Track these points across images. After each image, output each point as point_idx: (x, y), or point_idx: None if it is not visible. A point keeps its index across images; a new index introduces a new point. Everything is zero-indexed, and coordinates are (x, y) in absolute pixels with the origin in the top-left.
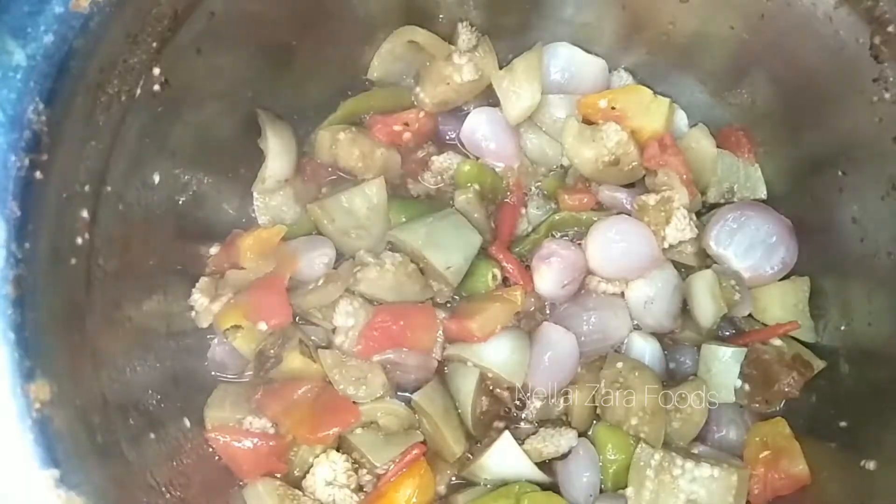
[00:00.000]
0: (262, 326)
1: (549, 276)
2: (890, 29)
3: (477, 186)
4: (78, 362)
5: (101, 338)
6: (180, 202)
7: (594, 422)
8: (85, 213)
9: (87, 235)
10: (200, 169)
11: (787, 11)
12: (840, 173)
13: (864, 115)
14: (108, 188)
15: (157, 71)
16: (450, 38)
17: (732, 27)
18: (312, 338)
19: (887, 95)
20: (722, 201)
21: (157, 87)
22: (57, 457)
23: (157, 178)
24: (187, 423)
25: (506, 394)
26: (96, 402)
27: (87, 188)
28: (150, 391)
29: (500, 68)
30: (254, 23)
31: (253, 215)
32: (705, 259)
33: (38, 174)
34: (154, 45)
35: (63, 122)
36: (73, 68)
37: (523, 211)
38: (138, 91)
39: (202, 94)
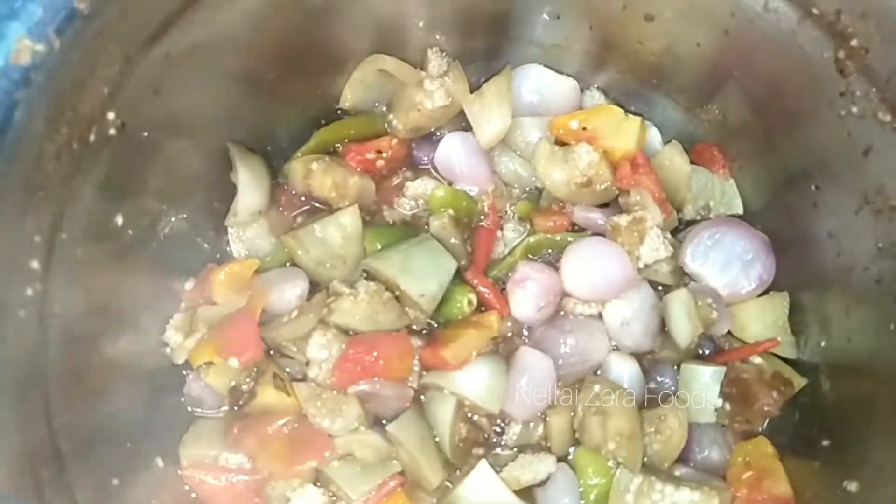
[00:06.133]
0: (234, 362)
1: (525, 300)
2: (853, 43)
3: (451, 211)
4: (27, 413)
5: (57, 385)
6: (150, 240)
7: (574, 446)
8: (35, 264)
9: (38, 286)
10: (170, 206)
11: (751, 27)
12: (814, 188)
13: (834, 129)
14: (64, 235)
15: (111, 115)
16: (420, 65)
17: (699, 44)
18: (287, 370)
19: (855, 109)
20: (698, 218)
21: (112, 132)
22: None
23: (120, 221)
24: (160, 462)
25: (484, 420)
26: (47, 455)
27: (37, 238)
28: (117, 434)
29: (472, 92)
30: (216, 60)
31: (228, 249)
32: (682, 277)
33: None
34: (105, 90)
35: (7, 176)
36: (16, 121)
37: (499, 234)
38: (92, 137)
39: (166, 134)
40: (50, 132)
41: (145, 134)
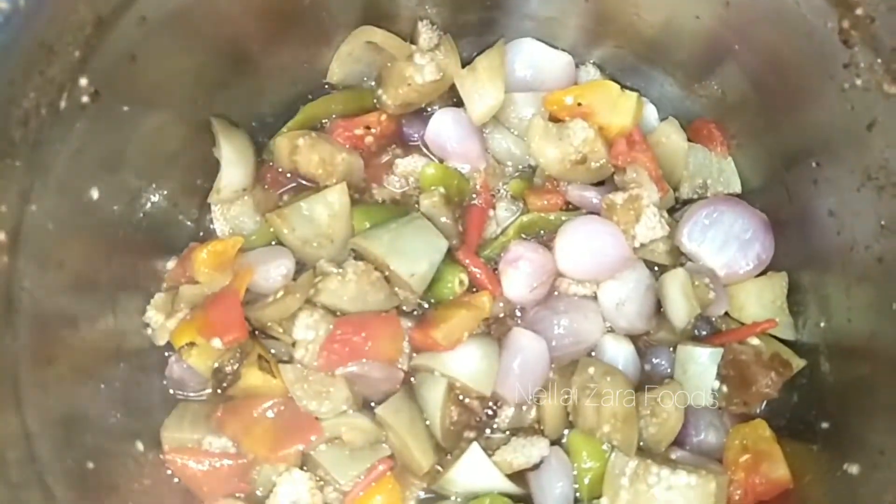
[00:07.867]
0: (217, 343)
1: (517, 280)
2: (858, 11)
3: (442, 189)
4: None
5: (27, 364)
6: (130, 216)
7: (568, 429)
8: (1, 236)
9: (4, 259)
10: (151, 182)
11: None
12: (815, 164)
13: (837, 103)
14: (33, 207)
15: (83, 81)
16: (411, 38)
17: (698, 16)
18: (273, 352)
19: (859, 82)
20: (695, 196)
21: (85, 99)
22: None
23: (95, 194)
24: (140, 446)
25: (476, 403)
26: (14, 436)
27: (2, 208)
28: (93, 417)
29: (464, 67)
30: (197, 27)
31: (212, 227)
32: (679, 257)
33: None
34: (77, 54)
35: None
36: None
37: (491, 213)
38: (62, 104)
39: (144, 105)
40: (16, 96)
41: (122, 104)
